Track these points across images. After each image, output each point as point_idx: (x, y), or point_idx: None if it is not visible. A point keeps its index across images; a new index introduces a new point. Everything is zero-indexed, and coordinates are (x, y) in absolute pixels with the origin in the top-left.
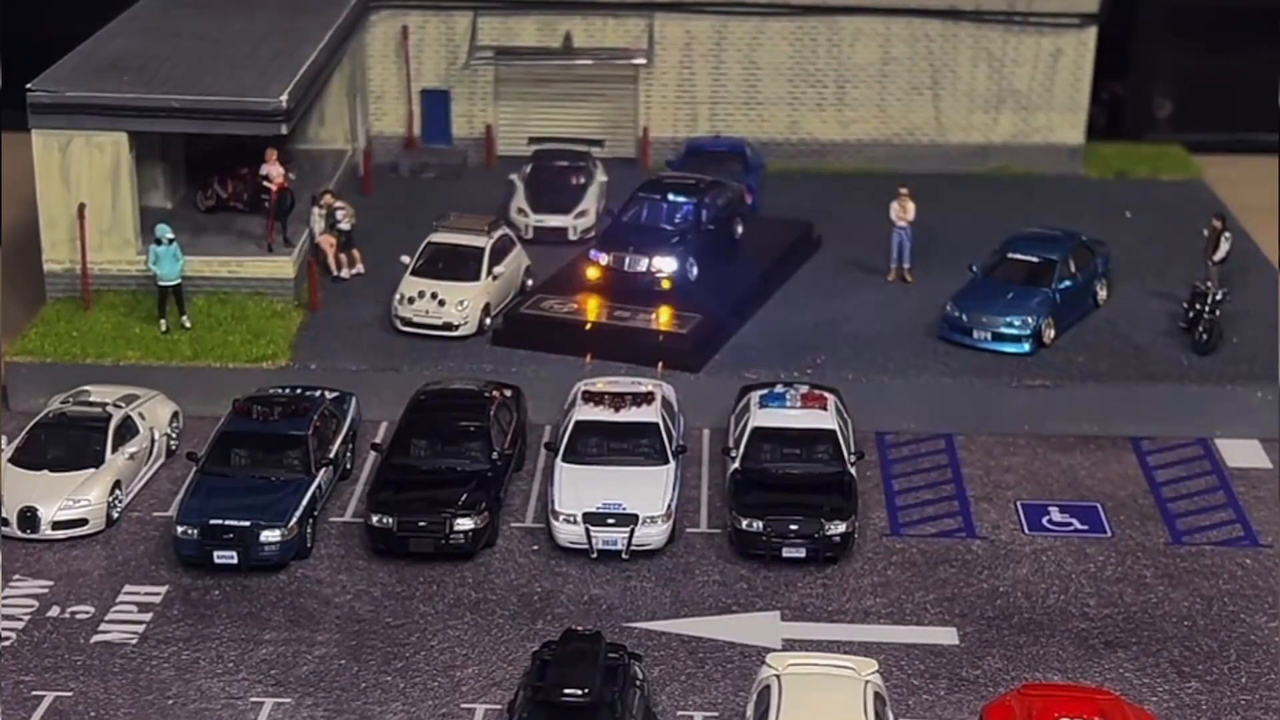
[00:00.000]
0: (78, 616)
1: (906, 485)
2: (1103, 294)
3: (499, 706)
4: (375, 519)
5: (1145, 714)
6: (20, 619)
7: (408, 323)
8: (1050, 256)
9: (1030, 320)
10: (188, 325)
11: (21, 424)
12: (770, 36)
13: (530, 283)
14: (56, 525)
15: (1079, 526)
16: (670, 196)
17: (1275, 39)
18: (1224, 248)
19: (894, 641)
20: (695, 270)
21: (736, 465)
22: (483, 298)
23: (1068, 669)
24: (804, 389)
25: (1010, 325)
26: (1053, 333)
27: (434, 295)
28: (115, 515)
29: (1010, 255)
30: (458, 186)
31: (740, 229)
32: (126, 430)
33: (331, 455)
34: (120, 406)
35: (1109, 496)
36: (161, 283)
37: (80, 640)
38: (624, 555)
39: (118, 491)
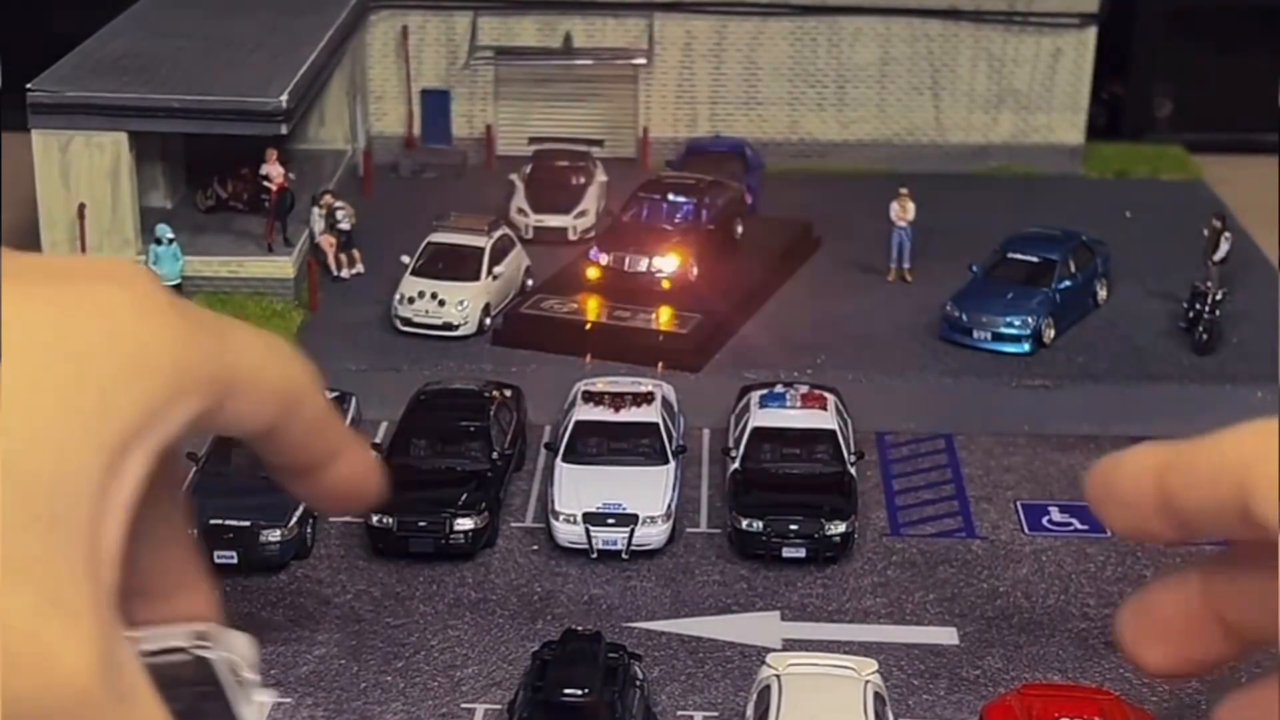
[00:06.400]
0: None
1: (906, 485)
2: (1103, 294)
3: (499, 706)
4: (375, 519)
5: (1145, 714)
6: None
7: (408, 323)
8: (1050, 256)
9: (1030, 320)
10: None
11: None
12: (770, 36)
13: (530, 283)
14: None
15: (1079, 526)
16: (670, 196)
17: (1275, 39)
18: (1224, 248)
19: (894, 641)
20: (695, 270)
21: (736, 465)
22: (483, 298)
23: (1068, 669)
24: (804, 389)
25: (1010, 325)
26: (1053, 333)
27: (434, 295)
28: None
29: (1010, 255)
30: (458, 186)
31: (740, 229)
32: None
33: None
34: None
35: None
36: (162, 283)
37: None
38: (624, 555)
39: None
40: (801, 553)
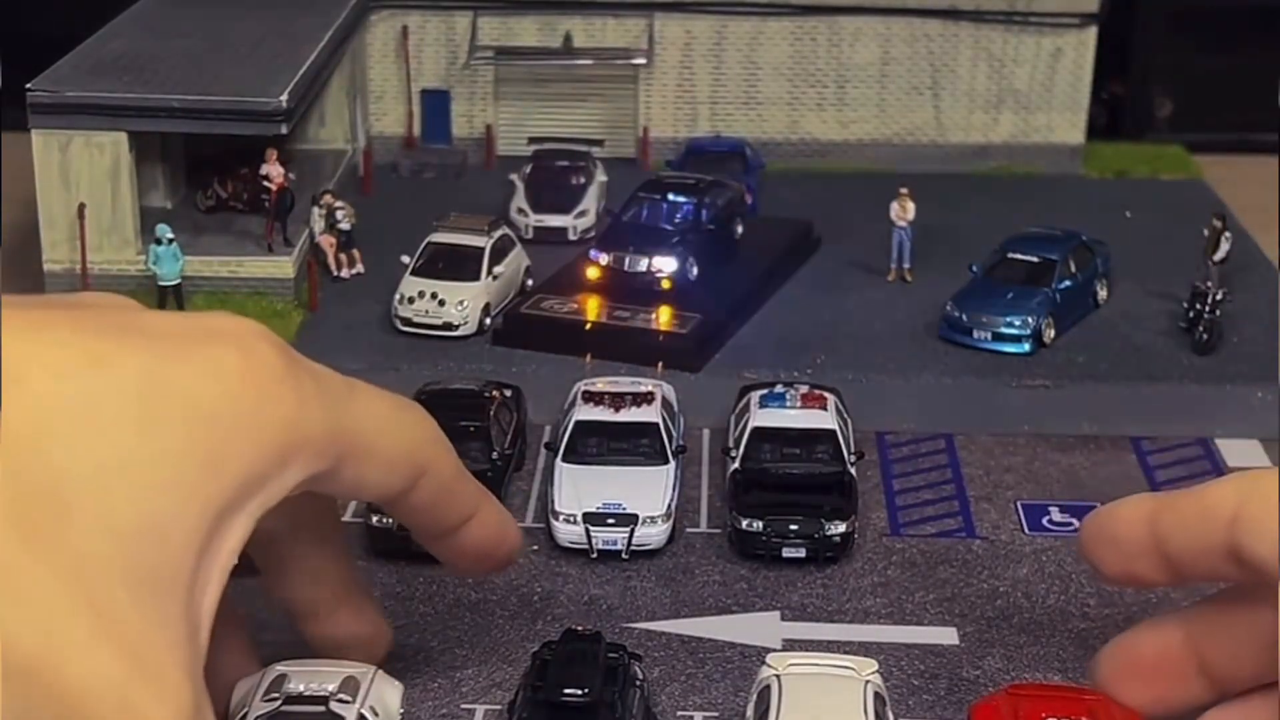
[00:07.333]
0: None
1: (906, 485)
2: (1103, 294)
3: (499, 707)
4: (375, 519)
5: (1134, 714)
6: None
7: (408, 323)
8: (1050, 256)
9: (1030, 320)
10: None
11: None
12: (770, 36)
13: (530, 283)
14: None
15: (1079, 527)
16: (670, 196)
17: (1275, 39)
18: (1224, 248)
19: (894, 641)
20: (695, 270)
21: (736, 465)
22: (483, 298)
23: (1068, 669)
24: (804, 389)
25: (1010, 325)
26: (1053, 333)
27: (434, 295)
28: None
29: (1010, 255)
30: (458, 186)
31: (740, 229)
32: None
33: None
34: None
35: (1109, 496)
36: (161, 283)
37: None
38: (624, 555)
39: None
40: (801, 553)
